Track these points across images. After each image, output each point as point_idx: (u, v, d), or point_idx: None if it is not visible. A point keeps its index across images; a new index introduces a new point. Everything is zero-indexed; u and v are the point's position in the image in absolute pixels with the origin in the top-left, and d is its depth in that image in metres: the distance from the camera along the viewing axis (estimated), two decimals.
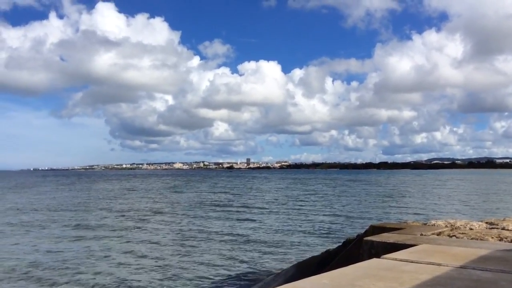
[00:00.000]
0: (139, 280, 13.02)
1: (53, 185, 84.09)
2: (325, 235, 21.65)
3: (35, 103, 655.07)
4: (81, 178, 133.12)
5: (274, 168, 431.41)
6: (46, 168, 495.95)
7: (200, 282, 12.76)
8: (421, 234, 6.85)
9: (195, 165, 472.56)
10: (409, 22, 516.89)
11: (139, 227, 24.23)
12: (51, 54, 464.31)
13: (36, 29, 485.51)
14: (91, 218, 28.31)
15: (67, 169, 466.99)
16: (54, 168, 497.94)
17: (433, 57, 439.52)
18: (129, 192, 59.13)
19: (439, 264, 4.39)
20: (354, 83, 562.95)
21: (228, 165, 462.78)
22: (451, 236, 6.78)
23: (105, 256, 16.39)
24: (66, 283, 12.71)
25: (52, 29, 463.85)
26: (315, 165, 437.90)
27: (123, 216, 29.82)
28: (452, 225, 7.84)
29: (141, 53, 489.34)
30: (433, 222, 8.37)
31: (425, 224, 8.31)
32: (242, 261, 15.46)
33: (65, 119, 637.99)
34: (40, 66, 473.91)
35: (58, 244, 19.14)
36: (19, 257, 16.17)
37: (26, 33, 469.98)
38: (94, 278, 13.28)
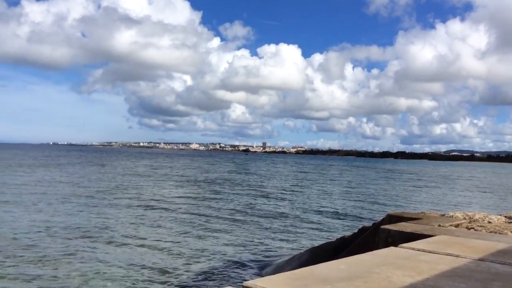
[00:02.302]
0: (153, 258, 13.26)
1: (80, 161, 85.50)
2: (340, 221, 21.67)
3: (56, 78, 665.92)
4: (104, 155, 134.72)
5: (290, 153, 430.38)
6: (65, 143, 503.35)
7: (213, 263, 12.92)
8: (439, 225, 6.81)
9: (211, 147, 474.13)
10: (433, 10, 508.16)
11: (162, 206, 24.60)
12: (73, 30, 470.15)
13: (59, 4, 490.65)
14: (119, 195, 28.93)
15: (85, 145, 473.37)
16: (73, 143, 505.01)
17: (456, 47, 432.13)
18: (156, 171, 59.76)
19: (457, 256, 4.38)
20: (375, 71, 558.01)
21: (244, 148, 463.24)
22: (469, 229, 6.72)
23: (127, 231, 16.71)
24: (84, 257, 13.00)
25: (75, 5, 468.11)
26: (331, 152, 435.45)
27: (153, 194, 30.26)
28: (470, 218, 7.78)
29: (162, 32, 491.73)
30: (451, 213, 8.31)
31: (443, 215, 8.25)
32: (256, 244, 15.59)
33: (85, 95, 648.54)
34: (62, 41, 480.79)
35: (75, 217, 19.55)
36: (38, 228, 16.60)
37: (49, 8, 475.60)
38: (112, 249, 13.56)
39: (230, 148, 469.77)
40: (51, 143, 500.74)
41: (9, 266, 11.58)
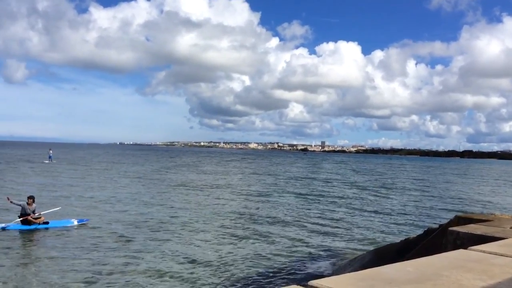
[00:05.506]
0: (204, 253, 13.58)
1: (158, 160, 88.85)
2: (405, 222, 21.11)
3: (122, 81, 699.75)
4: (174, 154, 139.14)
5: (349, 152, 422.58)
6: (131, 143, 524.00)
7: (277, 261, 13.03)
8: (511, 228, 6.52)
9: (269, 146, 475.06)
10: (499, 3, 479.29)
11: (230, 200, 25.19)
12: (137, 35, 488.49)
13: (124, 10, 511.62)
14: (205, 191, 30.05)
15: (150, 144, 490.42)
16: (138, 143, 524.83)
17: None
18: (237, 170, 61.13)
19: None
20: (438, 67, 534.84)
21: (302, 147, 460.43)
22: None
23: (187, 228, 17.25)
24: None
25: (139, 10, 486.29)
26: (393, 151, 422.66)
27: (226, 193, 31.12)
28: None
29: (221, 34, 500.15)
30: None
31: None
32: (317, 244, 15.52)
33: (149, 97, 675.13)
34: (127, 45, 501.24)
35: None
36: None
37: (115, 14, 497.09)
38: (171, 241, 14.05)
39: (288, 148, 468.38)
40: (118, 143, 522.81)
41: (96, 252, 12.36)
